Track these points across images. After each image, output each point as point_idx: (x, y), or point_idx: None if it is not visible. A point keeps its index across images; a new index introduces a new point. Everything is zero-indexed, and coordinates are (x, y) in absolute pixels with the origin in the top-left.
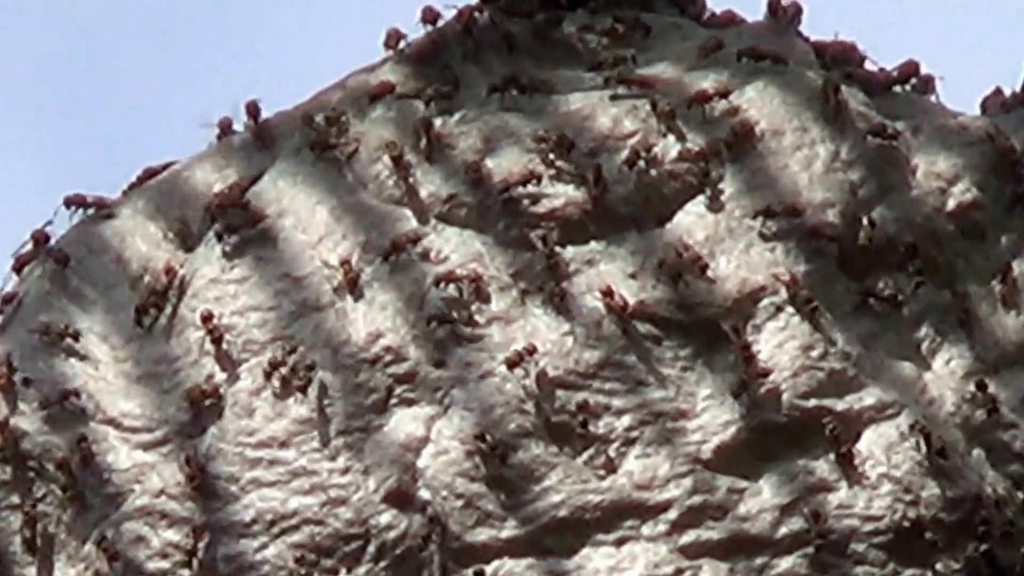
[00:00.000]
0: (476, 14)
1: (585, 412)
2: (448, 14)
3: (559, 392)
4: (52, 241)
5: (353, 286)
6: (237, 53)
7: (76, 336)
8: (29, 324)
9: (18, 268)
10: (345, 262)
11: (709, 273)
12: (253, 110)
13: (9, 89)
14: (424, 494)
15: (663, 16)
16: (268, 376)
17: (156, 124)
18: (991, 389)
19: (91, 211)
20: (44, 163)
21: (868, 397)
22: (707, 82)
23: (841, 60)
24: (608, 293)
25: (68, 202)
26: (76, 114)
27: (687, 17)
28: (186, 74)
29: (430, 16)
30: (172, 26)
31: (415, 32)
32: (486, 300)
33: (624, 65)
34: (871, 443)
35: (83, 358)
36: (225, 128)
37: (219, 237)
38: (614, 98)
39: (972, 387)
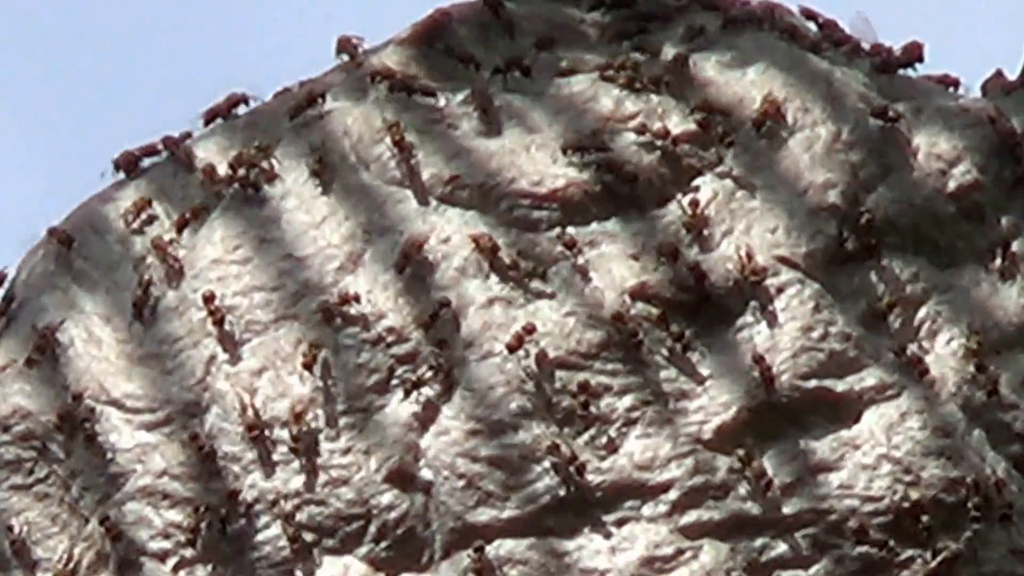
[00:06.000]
0: None
1: (586, 392)
2: None
3: (560, 372)
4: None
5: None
6: (240, 36)
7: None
8: (32, 305)
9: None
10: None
11: (711, 254)
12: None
13: (10, 79)
14: (425, 474)
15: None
16: (272, 355)
17: (158, 109)
18: (991, 370)
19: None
20: (43, 148)
21: (869, 378)
22: (710, 64)
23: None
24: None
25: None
26: (76, 97)
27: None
28: (187, 58)
29: None
30: (173, 10)
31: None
32: (487, 281)
33: (627, 47)
34: (871, 423)
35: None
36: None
37: (222, 217)
38: (615, 80)
39: (972, 368)
